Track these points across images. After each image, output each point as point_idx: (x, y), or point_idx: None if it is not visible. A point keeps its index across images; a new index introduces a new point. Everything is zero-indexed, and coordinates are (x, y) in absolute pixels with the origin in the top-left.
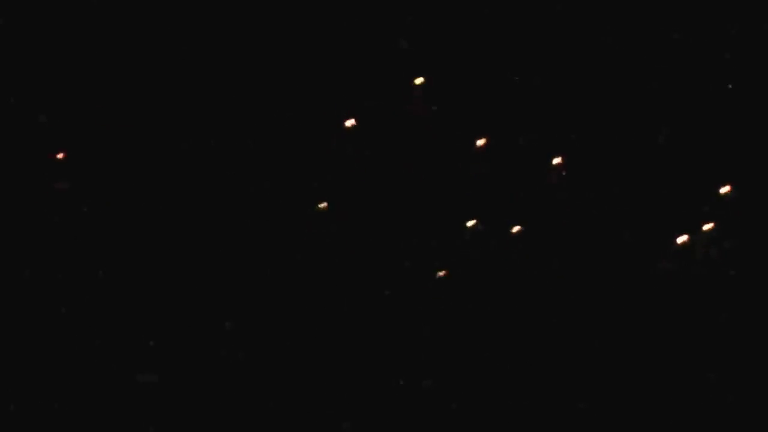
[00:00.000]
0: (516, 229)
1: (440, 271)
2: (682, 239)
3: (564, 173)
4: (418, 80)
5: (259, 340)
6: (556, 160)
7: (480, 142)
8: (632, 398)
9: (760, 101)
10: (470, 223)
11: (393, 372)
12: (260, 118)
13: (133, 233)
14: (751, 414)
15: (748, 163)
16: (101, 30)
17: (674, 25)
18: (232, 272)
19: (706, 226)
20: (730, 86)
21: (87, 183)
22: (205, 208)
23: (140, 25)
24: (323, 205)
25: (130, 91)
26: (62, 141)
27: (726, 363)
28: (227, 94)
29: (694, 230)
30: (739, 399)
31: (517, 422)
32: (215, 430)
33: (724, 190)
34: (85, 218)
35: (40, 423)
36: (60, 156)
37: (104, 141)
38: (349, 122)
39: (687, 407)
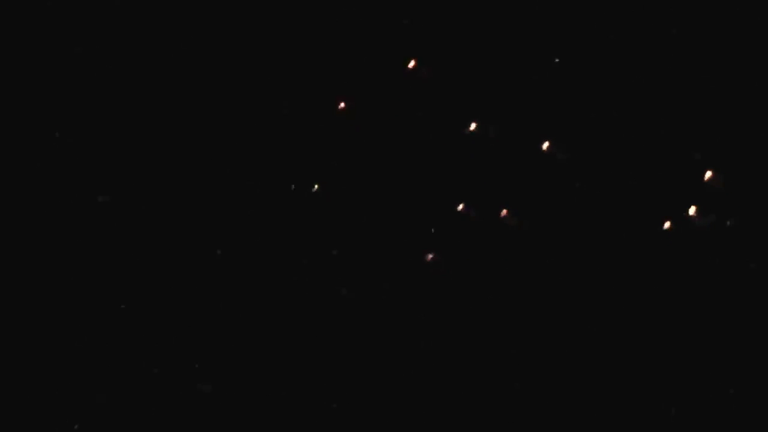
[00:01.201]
0: (504, 212)
1: (429, 254)
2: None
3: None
4: (411, 63)
5: (253, 333)
6: (545, 145)
7: (472, 126)
8: (628, 395)
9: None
10: (459, 207)
11: (389, 364)
12: (252, 103)
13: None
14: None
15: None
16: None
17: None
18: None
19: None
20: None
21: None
22: (200, 199)
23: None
24: (316, 187)
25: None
26: (63, 142)
27: (723, 359)
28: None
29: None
30: (738, 397)
31: (515, 419)
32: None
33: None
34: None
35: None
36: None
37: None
38: (341, 105)
39: (684, 405)
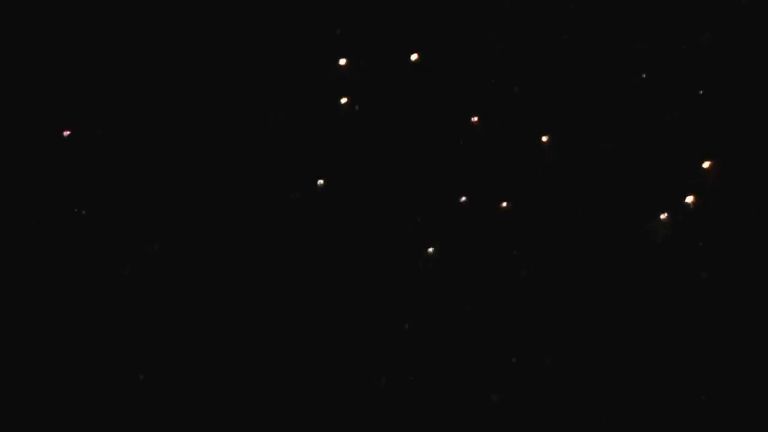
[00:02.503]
0: (504, 204)
1: (430, 247)
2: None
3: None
4: (414, 56)
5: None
6: (545, 138)
7: (474, 119)
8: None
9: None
10: (462, 199)
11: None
12: (253, 97)
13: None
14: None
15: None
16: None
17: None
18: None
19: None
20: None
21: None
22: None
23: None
24: (320, 182)
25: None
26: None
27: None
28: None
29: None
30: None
31: (514, 416)
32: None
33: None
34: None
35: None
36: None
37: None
38: (343, 100)
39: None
